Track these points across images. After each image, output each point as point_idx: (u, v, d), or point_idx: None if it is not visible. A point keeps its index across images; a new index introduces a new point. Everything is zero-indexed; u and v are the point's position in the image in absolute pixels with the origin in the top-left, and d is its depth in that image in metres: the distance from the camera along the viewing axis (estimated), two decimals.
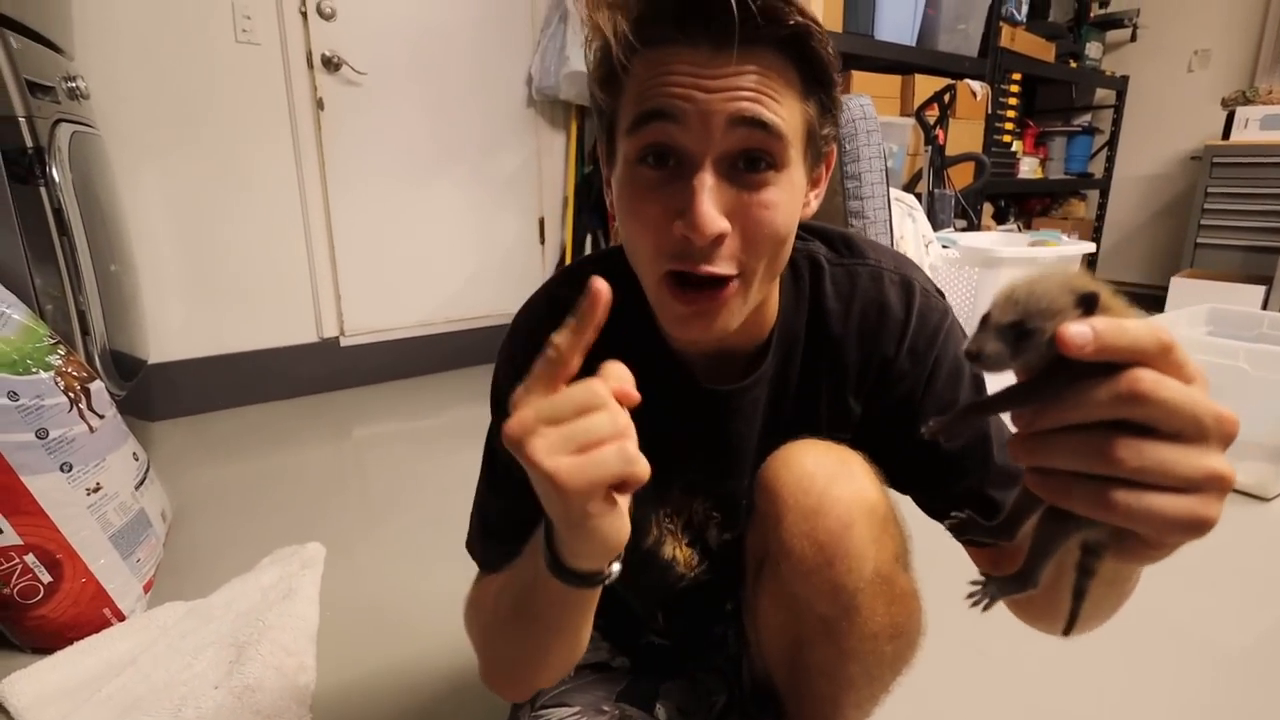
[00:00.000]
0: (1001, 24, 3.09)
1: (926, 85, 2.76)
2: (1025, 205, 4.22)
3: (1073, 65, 3.83)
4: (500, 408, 0.66)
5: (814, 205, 0.57)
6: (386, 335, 2.56)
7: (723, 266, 0.49)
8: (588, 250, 2.90)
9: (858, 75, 2.62)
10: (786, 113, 0.48)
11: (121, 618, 1.16)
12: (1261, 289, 2.98)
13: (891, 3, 2.63)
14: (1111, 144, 4.05)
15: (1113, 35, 4.05)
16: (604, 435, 0.37)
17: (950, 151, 2.79)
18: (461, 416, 2.25)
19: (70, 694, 1.00)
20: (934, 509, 0.61)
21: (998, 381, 0.38)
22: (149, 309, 2.01)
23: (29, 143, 1.26)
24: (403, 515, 1.55)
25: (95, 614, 1.13)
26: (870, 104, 1.78)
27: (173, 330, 2.14)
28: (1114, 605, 0.48)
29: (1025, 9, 3.31)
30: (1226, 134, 3.34)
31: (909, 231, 2.00)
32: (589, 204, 2.85)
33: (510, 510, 0.62)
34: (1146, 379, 0.29)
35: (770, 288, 0.57)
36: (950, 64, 2.91)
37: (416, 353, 2.63)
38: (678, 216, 0.47)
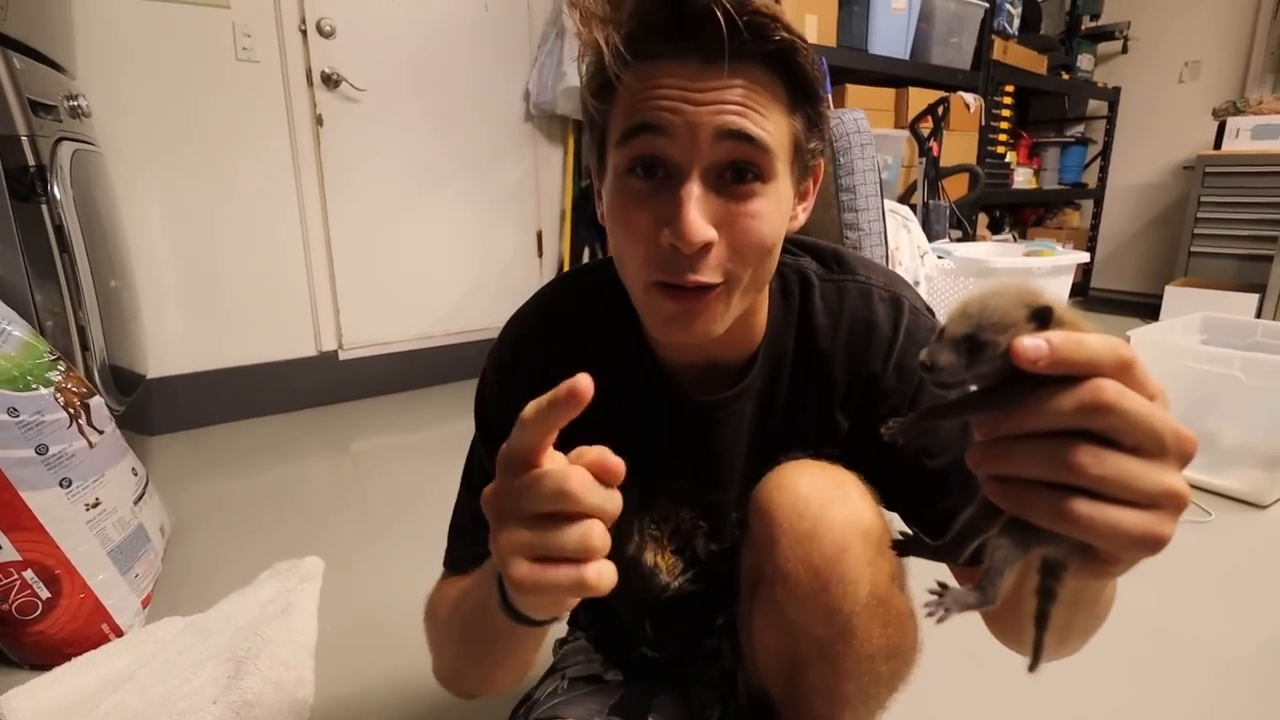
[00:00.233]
0: (993, 37, 3.13)
1: (920, 98, 2.79)
2: (1020, 215, 4.24)
3: (1065, 77, 3.87)
4: (483, 416, 0.67)
5: (801, 218, 0.57)
6: (385, 348, 2.57)
7: (708, 275, 0.49)
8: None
9: (852, 88, 2.64)
10: (772, 126, 0.49)
11: (120, 633, 1.16)
12: (1255, 297, 3.00)
13: (884, 17, 2.66)
14: (1105, 154, 4.08)
15: (1104, 47, 4.10)
16: (569, 552, 0.37)
17: (945, 163, 2.81)
18: (460, 429, 2.25)
19: (68, 710, 1.00)
20: (918, 527, 0.61)
21: None
22: (148, 323, 2.02)
23: (31, 161, 1.27)
24: (401, 529, 1.55)
25: (93, 629, 1.13)
26: (864, 117, 1.79)
27: (172, 344, 2.15)
28: (1084, 630, 0.48)
29: (1017, 22, 3.35)
30: (1218, 144, 3.37)
31: (904, 243, 2.02)
32: (586, 217, 2.86)
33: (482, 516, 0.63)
34: (1110, 389, 0.29)
35: (756, 298, 0.58)
36: (943, 77, 2.94)
37: (415, 366, 2.63)
38: (665, 226, 0.48)
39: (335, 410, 2.43)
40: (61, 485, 1.08)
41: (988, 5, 3.00)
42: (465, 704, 1.02)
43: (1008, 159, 3.56)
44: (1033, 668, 0.37)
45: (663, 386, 0.63)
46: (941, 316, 0.65)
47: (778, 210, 0.51)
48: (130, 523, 1.22)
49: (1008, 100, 3.34)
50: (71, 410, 1.12)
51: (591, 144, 0.56)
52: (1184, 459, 0.31)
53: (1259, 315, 2.96)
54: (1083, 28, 3.99)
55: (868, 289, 0.62)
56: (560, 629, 0.93)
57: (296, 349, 2.39)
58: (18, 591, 1.06)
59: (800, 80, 0.50)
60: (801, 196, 0.57)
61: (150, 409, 2.12)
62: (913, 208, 2.49)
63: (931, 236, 2.59)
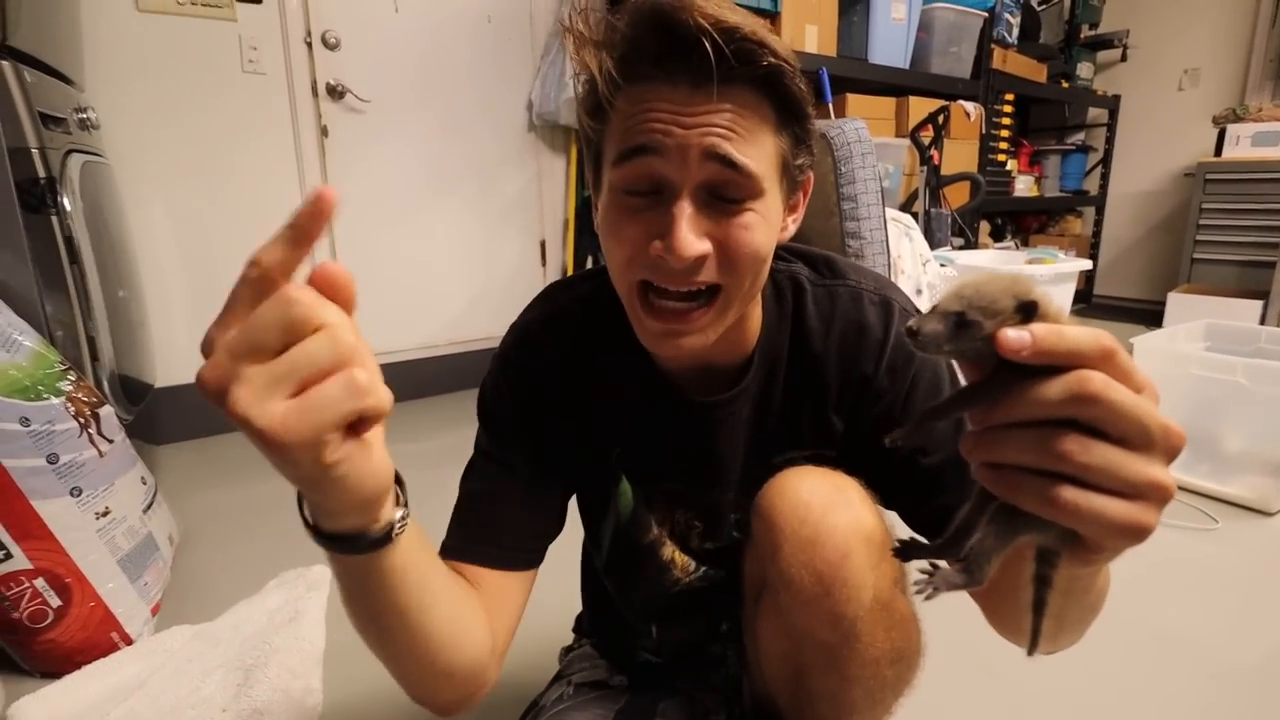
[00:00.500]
0: (993, 46, 3.15)
1: (920, 107, 2.81)
2: (1022, 223, 4.25)
3: (1064, 85, 3.89)
4: (485, 405, 0.68)
5: (791, 229, 0.59)
6: (389, 357, 2.58)
7: (704, 276, 0.52)
8: None
9: (852, 98, 2.66)
10: (757, 150, 0.50)
11: (129, 641, 1.16)
12: (1259, 304, 3.00)
13: (884, 27, 2.68)
14: (1106, 161, 4.09)
15: (1103, 56, 4.12)
16: (323, 364, 0.31)
17: (945, 171, 2.82)
18: (465, 438, 2.23)
19: (79, 717, 1.01)
20: (915, 525, 0.62)
21: None
22: (156, 333, 2.03)
23: (41, 173, 1.29)
24: None
25: (103, 638, 1.13)
26: (864, 127, 1.81)
27: (179, 354, 2.16)
28: (1078, 621, 0.48)
29: (1016, 32, 3.37)
30: (1219, 151, 3.38)
31: (906, 251, 2.03)
32: (589, 227, 2.88)
33: (474, 502, 0.65)
34: (1096, 380, 0.30)
35: (747, 308, 0.59)
36: (943, 86, 2.96)
37: (419, 375, 2.64)
38: (658, 238, 0.50)
39: None
40: (72, 494, 1.09)
41: (987, 15, 3.03)
42: (474, 713, 1.02)
43: (1009, 167, 3.57)
44: (1031, 652, 0.39)
45: (661, 388, 0.64)
46: None
47: (767, 224, 0.53)
48: (139, 531, 1.23)
49: (1008, 109, 3.36)
50: (82, 419, 1.13)
51: (588, 160, 0.58)
52: (1171, 453, 0.32)
53: (1263, 322, 2.97)
54: (1082, 36, 4.02)
55: (858, 293, 0.64)
56: (566, 636, 0.94)
57: None
58: (29, 600, 1.06)
59: (788, 101, 0.52)
60: (791, 209, 0.59)
61: (158, 418, 2.12)
62: (914, 216, 2.50)
63: (933, 244, 2.60)
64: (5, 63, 1.24)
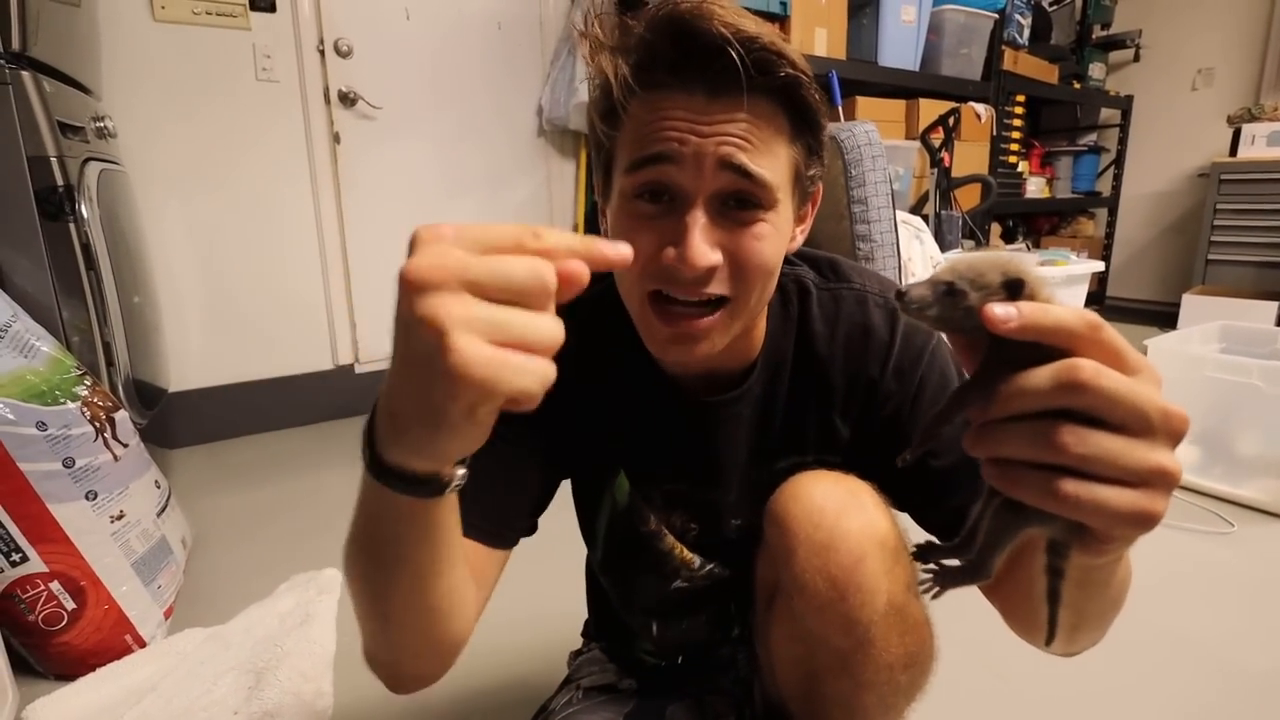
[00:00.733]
0: (1004, 48, 3.13)
1: (931, 109, 2.80)
2: (1033, 224, 4.23)
3: (1076, 86, 3.86)
4: None
5: (799, 239, 0.59)
6: None
7: (714, 288, 0.51)
8: None
9: (862, 101, 2.66)
10: (772, 159, 0.50)
11: (142, 644, 1.17)
12: (1274, 305, 2.97)
13: (894, 29, 2.68)
14: (1118, 162, 4.06)
15: (1115, 56, 4.09)
16: (540, 342, 0.30)
17: (956, 173, 2.81)
18: None
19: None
20: (929, 526, 0.62)
21: None
22: (170, 338, 2.05)
23: (59, 181, 1.31)
24: None
25: (117, 640, 1.15)
26: (875, 130, 1.80)
27: (193, 359, 2.19)
28: (1099, 615, 0.47)
29: (1027, 33, 3.35)
30: (1233, 151, 3.35)
31: (916, 253, 2.02)
32: (598, 231, 2.88)
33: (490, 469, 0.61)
34: (1086, 367, 0.30)
35: (756, 316, 0.59)
36: (954, 88, 2.95)
37: None
38: (670, 246, 0.50)
39: (352, 423, 2.46)
40: (87, 498, 1.10)
41: (997, 16, 3.01)
42: (484, 714, 1.03)
43: (1020, 168, 3.55)
44: (1049, 641, 0.38)
45: (665, 388, 0.64)
46: None
47: (778, 235, 0.53)
48: (153, 535, 1.24)
49: (1019, 110, 3.34)
50: (97, 424, 1.14)
51: (598, 165, 0.58)
52: (1174, 436, 0.31)
53: (1278, 323, 2.93)
54: (1094, 36, 3.99)
55: (863, 296, 0.63)
56: (575, 640, 0.94)
57: (314, 363, 2.42)
58: (44, 603, 1.07)
59: (803, 112, 0.52)
60: (800, 220, 0.59)
61: (171, 422, 2.15)
62: (925, 218, 2.49)
63: (944, 247, 2.59)
64: (25, 73, 1.26)
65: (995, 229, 3.59)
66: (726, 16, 0.47)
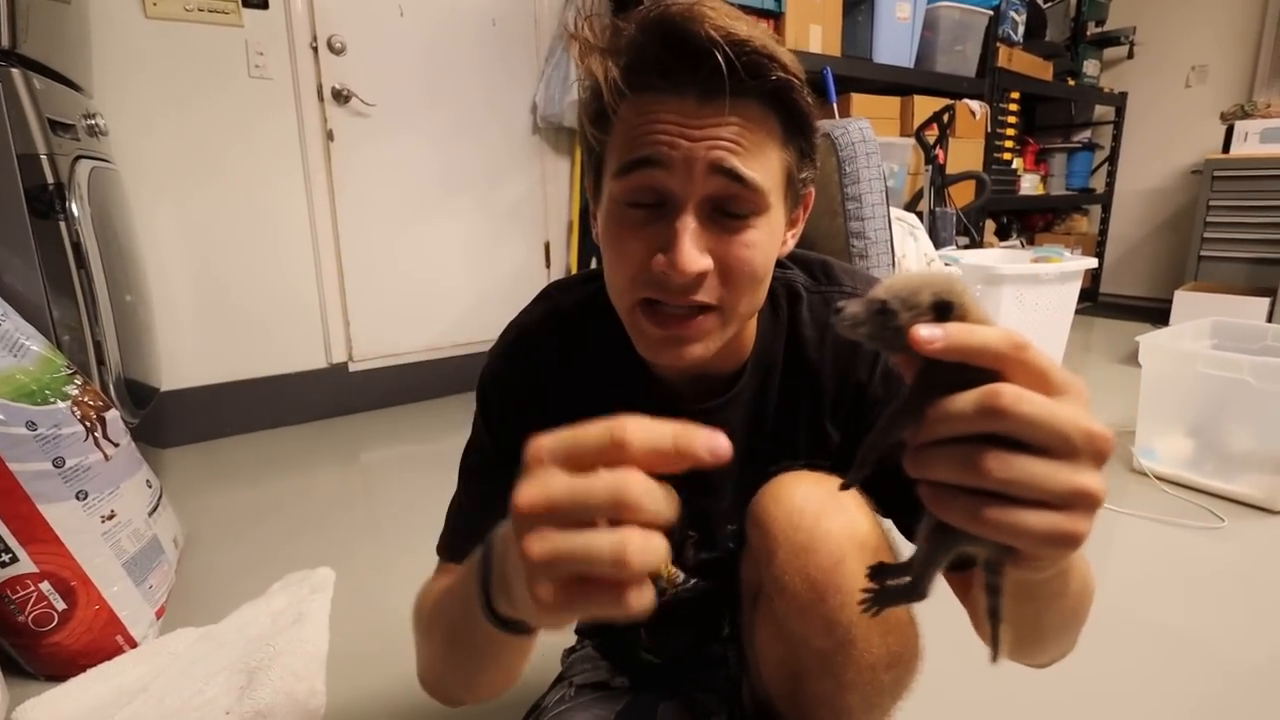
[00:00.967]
0: (998, 44, 3.14)
1: (925, 106, 2.80)
2: (1027, 221, 4.24)
3: (1070, 83, 3.87)
4: (484, 394, 0.68)
5: (790, 244, 0.59)
6: (395, 360, 2.59)
7: (703, 296, 0.51)
8: None
9: (857, 97, 2.66)
10: (763, 164, 0.50)
11: (134, 644, 1.17)
12: (1266, 301, 2.98)
13: (889, 26, 2.68)
14: (1112, 159, 4.07)
15: (1110, 53, 4.10)
16: (617, 571, 0.30)
17: (951, 170, 2.81)
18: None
19: None
20: (911, 535, 0.62)
21: None
22: (161, 337, 2.04)
23: (50, 179, 1.30)
24: (412, 539, 1.56)
25: (108, 641, 1.14)
26: (869, 127, 1.81)
27: (185, 358, 2.18)
28: (1060, 626, 0.47)
29: (1021, 29, 3.36)
30: (1226, 148, 3.36)
31: (911, 250, 2.02)
32: (588, 229, 2.88)
33: (475, 513, 0.66)
34: (1007, 393, 0.29)
35: (748, 320, 0.59)
36: (948, 84, 2.95)
37: (424, 377, 2.65)
38: (660, 252, 0.50)
39: (345, 422, 2.45)
40: (78, 498, 1.10)
41: (992, 13, 3.01)
42: (478, 714, 1.03)
43: (1014, 165, 3.56)
44: (994, 659, 0.38)
45: (655, 393, 0.64)
46: None
47: (770, 240, 0.53)
48: (145, 534, 1.24)
49: (1013, 107, 3.34)
50: (88, 423, 1.14)
51: (588, 168, 0.58)
52: (1098, 457, 0.31)
53: (1270, 319, 2.94)
54: (1088, 33, 4.00)
55: (854, 299, 0.63)
56: (569, 638, 0.94)
57: (307, 361, 2.41)
58: (34, 603, 1.07)
59: (795, 115, 0.51)
60: (792, 224, 0.58)
61: (163, 422, 2.14)
62: (919, 215, 2.50)
63: (938, 244, 2.59)
64: (15, 70, 1.25)
65: (989, 226, 3.59)
66: (718, 19, 0.46)
